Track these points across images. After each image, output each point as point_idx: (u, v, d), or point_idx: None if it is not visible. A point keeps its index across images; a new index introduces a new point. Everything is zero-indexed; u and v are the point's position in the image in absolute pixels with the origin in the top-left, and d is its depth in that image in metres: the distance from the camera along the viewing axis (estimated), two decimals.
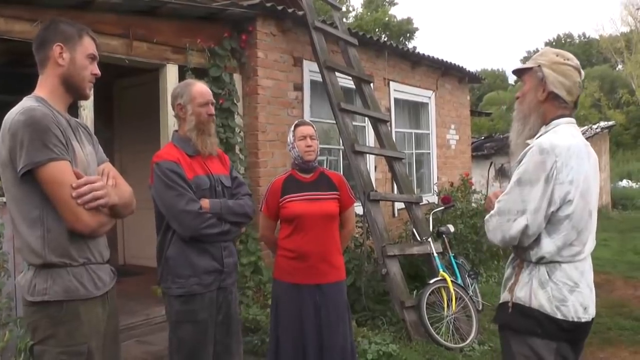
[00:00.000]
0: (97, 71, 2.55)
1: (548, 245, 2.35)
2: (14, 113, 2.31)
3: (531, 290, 2.38)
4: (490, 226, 2.47)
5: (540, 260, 2.37)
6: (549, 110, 2.49)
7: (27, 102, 2.36)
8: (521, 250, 2.44)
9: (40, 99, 2.41)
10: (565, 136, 2.40)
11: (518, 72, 2.62)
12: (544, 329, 2.34)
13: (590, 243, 2.44)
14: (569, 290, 2.34)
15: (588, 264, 2.46)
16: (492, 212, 2.46)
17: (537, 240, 2.36)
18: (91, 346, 2.36)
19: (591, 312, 2.42)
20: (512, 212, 2.36)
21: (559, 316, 2.33)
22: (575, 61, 2.52)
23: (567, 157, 2.32)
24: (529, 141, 2.47)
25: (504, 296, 2.53)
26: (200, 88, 3.44)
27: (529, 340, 2.37)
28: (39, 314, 2.32)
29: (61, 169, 2.27)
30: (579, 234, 2.37)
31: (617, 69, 48.03)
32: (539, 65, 2.50)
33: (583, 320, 2.37)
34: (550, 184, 2.31)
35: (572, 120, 2.51)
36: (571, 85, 2.47)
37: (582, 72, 2.53)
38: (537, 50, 2.82)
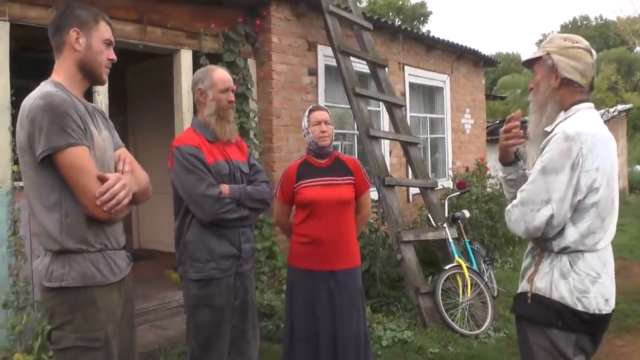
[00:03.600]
0: (114, 56, 2.53)
1: (572, 234, 2.30)
2: (32, 98, 2.30)
3: (552, 280, 2.33)
4: (512, 216, 2.39)
5: (563, 250, 2.32)
6: (566, 97, 2.43)
7: (45, 87, 2.35)
8: (542, 240, 2.38)
9: (58, 84, 2.40)
10: (589, 122, 2.34)
11: (527, 63, 2.56)
12: (564, 321, 2.30)
13: (612, 231, 2.39)
14: (591, 281, 2.30)
15: (609, 252, 2.41)
16: (514, 202, 2.40)
17: (561, 230, 2.31)
18: (108, 332, 2.36)
19: (612, 304, 2.37)
20: (537, 201, 2.29)
21: (580, 308, 2.28)
22: (584, 43, 2.45)
23: (593, 143, 2.26)
24: (547, 128, 2.41)
25: (523, 286, 2.48)
26: (222, 74, 3.44)
27: (547, 331, 2.34)
28: (56, 299, 2.32)
29: (80, 154, 2.27)
30: (602, 221, 2.32)
31: (634, 51, 47.43)
32: (548, 53, 2.44)
33: (604, 312, 2.33)
34: (577, 172, 2.24)
35: (592, 105, 2.45)
36: (584, 68, 2.40)
37: (594, 52, 2.46)
38: (553, 33, 2.75)
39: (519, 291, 2.52)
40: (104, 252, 2.40)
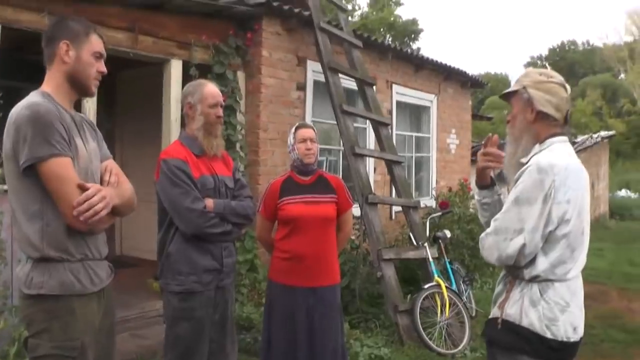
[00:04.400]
0: (104, 69, 2.56)
1: (543, 264, 2.35)
2: (19, 107, 2.33)
3: (522, 308, 2.38)
4: (485, 244, 2.46)
5: (534, 279, 2.38)
6: (541, 130, 2.49)
7: (33, 97, 2.39)
8: (514, 268, 2.43)
9: (46, 94, 2.43)
10: (562, 155, 2.41)
11: (505, 97, 2.62)
12: (533, 348, 2.35)
13: (582, 261, 2.45)
14: (560, 309, 2.35)
15: (579, 283, 2.47)
16: (488, 230, 2.46)
17: (532, 259, 2.36)
18: (85, 342, 2.37)
19: (580, 332, 2.42)
20: (510, 231, 2.35)
21: (549, 335, 2.33)
22: (559, 78, 2.53)
23: (565, 176, 2.33)
24: (523, 160, 2.47)
25: (494, 312, 2.54)
26: (212, 89, 3.48)
27: (516, 357, 2.38)
28: (34, 307, 2.33)
29: (62, 165, 2.29)
30: (572, 252, 2.38)
31: (619, 77, 48.08)
32: (524, 87, 2.51)
33: (572, 340, 2.38)
34: (549, 204, 2.30)
35: (566, 139, 2.52)
36: (558, 102, 2.47)
37: (568, 87, 2.54)
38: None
39: (490, 317, 2.57)
40: (85, 262, 2.42)
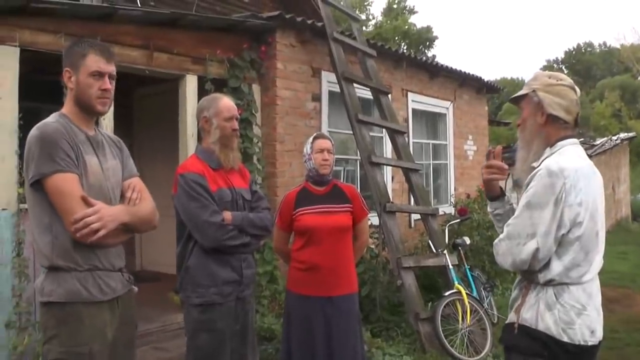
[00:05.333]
0: (107, 86, 2.63)
1: (557, 267, 2.35)
2: (33, 128, 2.50)
3: (538, 312, 2.39)
4: (499, 250, 2.47)
5: (549, 283, 2.38)
6: (551, 133, 2.50)
7: (47, 119, 2.56)
8: (529, 273, 2.44)
9: (63, 115, 2.61)
10: (572, 158, 2.41)
11: (515, 100, 2.64)
12: (550, 352, 2.34)
13: (597, 263, 2.44)
14: (576, 313, 2.34)
15: (596, 285, 2.46)
16: (501, 236, 2.47)
17: (547, 263, 2.36)
18: (93, 349, 2.45)
19: (598, 335, 2.41)
20: (522, 235, 2.36)
21: (566, 339, 2.33)
22: (568, 81, 2.54)
23: (576, 179, 2.33)
24: (534, 164, 2.48)
25: (510, 317, 2.54)
26: (227, 103, 3.51)
27: None
28: (47, 314, 2.47)
29: (66, 180, 2.43)
30: (586, 254, 2.37)
31: (638, 78, 47.61)
32: (534, 90, 2.52)
33: (590, 343, 2.36)
34: (560, 207, 2.31)
35: (576, 141, 2.53)
36: (568, 104, 2.48)
37: (578, 90, 2.54)
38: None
39: (506, 322, 2.57)
40: (94, 272, 2.51)
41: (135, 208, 2.67)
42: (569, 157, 2.41)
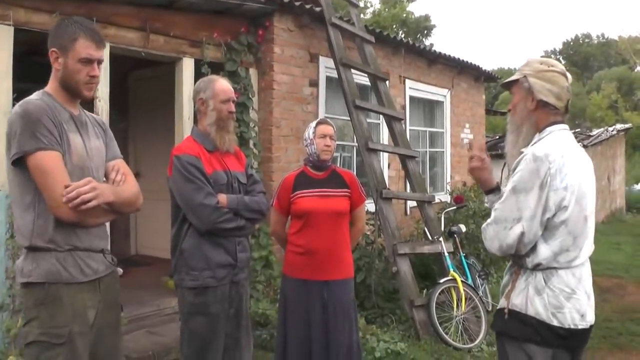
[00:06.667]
0: (95, 72, 2.59)
1: (544, 252, 2.36)
2: (16, 105, 2.47)
3: (527, 297, 2.39)
4: (487, 235, 2.48)
5: (537, 267, 2.38)
6: (541, 119, 2.51)
7: (31, 96, 2.52)
8: (518, 257, 2.45)
9: (46, 93, 2.56)
10: (558, 143, 2.42)
11: (506, 85, 2.65)
12: (541, 336, 2.35)
13: (587, 248, 2.44)
14: (565, 297, 2.35)
15: (586, 270, 2.46)
16: (488, 220, 2.48)
17: (534, 247, 2.37)
18: (73, 330, 2.42)
19: (589, 320, 2.41)
20: (509, 220, 2.38)
21: (555, 323, 2.33)
22: (560, 67, 2.54)
23: (561, 163, 2.33)
24: (523, 149, 2.48)
25: (501, 302, 2.55)
26: (223, 85, 3.48)
27: (525, 347, 2.38)
28: (27, 295, 2.45)
29: (48, 158, 2.38)
30: (574, 239, 2.38)
31: (635, 70, 47.57)
32: (525, 76, 2.53)
33: (580, 327, 2.37)
34: (545, 191, 2.32)
35: (565, 126, 2.53)
36: (559, 91, 2.48)
37: (569, 76, 2.54)
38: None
39: (497, 307, 2.58)
40: (74, 252, 2.48)
41: (119, 189, 2.63)
42: (556, 142, 2.42)
